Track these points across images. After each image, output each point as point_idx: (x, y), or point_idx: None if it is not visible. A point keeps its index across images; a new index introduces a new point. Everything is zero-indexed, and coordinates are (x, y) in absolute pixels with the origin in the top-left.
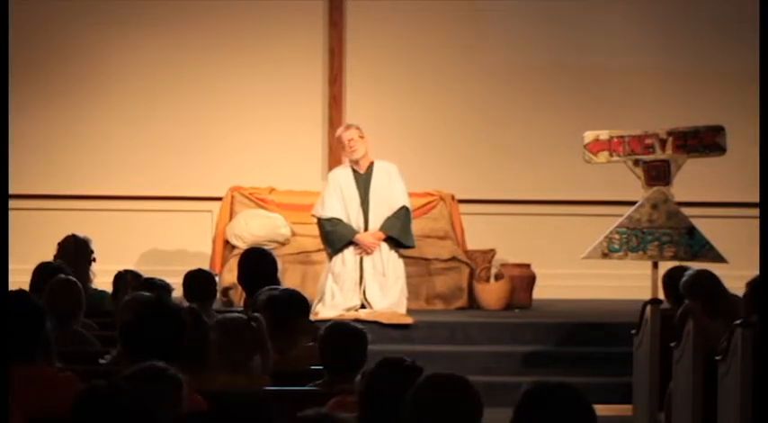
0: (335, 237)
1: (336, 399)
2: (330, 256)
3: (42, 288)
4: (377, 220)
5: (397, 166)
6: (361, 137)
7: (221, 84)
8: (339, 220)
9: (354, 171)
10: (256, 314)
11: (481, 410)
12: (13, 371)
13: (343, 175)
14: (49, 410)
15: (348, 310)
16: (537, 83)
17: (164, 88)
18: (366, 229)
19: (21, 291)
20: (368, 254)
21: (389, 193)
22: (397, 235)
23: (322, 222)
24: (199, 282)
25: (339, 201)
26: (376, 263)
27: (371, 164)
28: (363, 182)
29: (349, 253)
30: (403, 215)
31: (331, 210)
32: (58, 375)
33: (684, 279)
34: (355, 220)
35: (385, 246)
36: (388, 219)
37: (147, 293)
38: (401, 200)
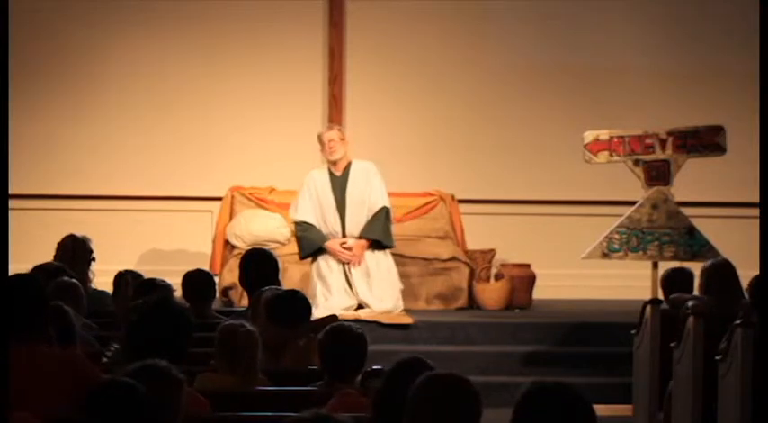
0: (305, 243)
1: (337, 397)
2: (301, 259)
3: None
4: (353, 224)
5: (375, 165)
6: (342, 139)
7: (221, 84)
8: (310, 225)
9: (331, 173)
10: (251, 328)
11: (481, 410)
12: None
13: (320, 179)
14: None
15: (346, 310)
16: (537, 83)
17: (164, 88)
18: (344, 233)
19: (20, 275)
20: (355, 265)
21: (367, 196)
22: (379, 237)
23: (295, 226)
24: (198, 282)
25: (313, 204)
26: (361, 266)
27: (349, 164)
28: (340, 185)
29: (333, 258)
30: (383, 216)
31: (303, 213)
32: (60, 353)
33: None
34: (332, 225)
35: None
36: (368, 222)
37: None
38: (380, 201)
